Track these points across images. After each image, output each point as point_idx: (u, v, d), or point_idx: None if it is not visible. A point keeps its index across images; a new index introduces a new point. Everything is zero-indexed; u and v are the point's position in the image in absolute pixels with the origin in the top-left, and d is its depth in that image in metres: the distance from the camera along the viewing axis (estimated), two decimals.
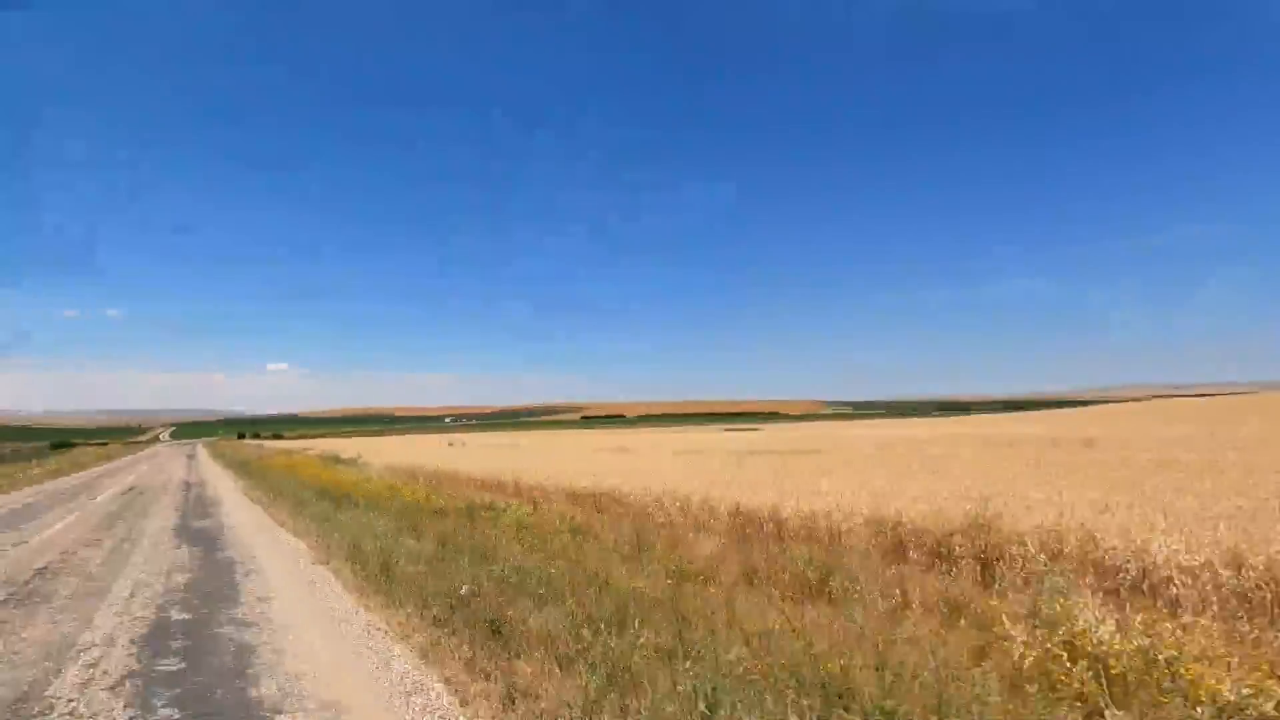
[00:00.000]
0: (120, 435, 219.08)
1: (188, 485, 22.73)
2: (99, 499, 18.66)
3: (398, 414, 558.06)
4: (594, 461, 22.01)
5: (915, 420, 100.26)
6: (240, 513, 14.59)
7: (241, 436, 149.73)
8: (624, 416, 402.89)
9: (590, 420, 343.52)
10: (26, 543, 11.06)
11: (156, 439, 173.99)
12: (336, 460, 31.23)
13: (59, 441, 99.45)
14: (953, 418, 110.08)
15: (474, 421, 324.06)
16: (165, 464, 43.89)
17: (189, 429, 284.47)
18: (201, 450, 64.86)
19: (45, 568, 8.86)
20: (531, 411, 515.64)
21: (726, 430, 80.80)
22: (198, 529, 12.10)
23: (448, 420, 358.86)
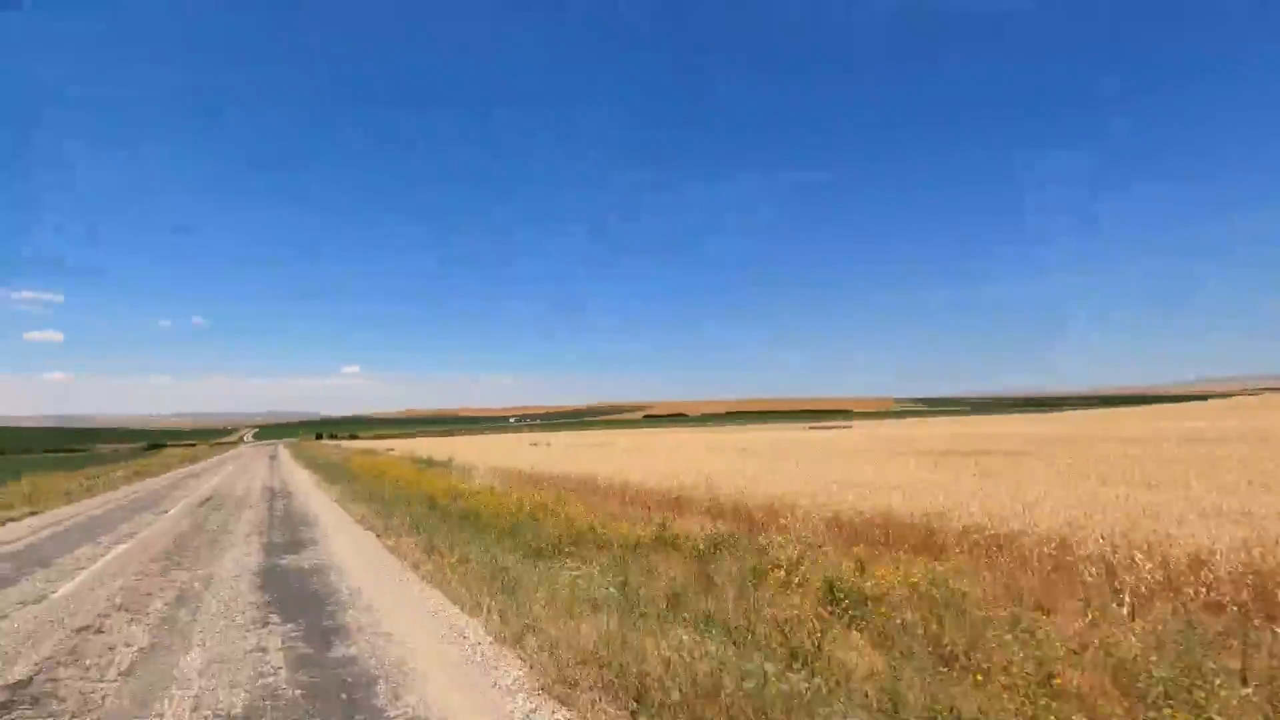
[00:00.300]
0: (209, 437, 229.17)
1: (272, 494, 19.23)
2: (170, 513, 15.14)
3: (461, 414, 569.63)
4: (751, 465, 17.21)
5: (1029, 417, 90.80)
6: (346, 542, 10.44)
7: (319, 437, 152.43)
8: (686, 415, 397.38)
9: (654, 419, 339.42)
10: (41, 600, 7.09)
11: (241, 440, 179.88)
12: (429, 463, 27.58)
13: (153, 443, 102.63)
14: (1066, 414, 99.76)
15: (538, 421, 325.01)
16: (249, 464, 41.73)
17: (269, 430, 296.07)
18: (283, 451, 63.69)
19: (28, 681, 4.69)
20: (592, 411, 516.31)
21: (815, 429, 74.67)
22: (292, 577, 7.91)
23: (512, 420, 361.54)
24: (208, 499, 18.19)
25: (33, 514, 15.91)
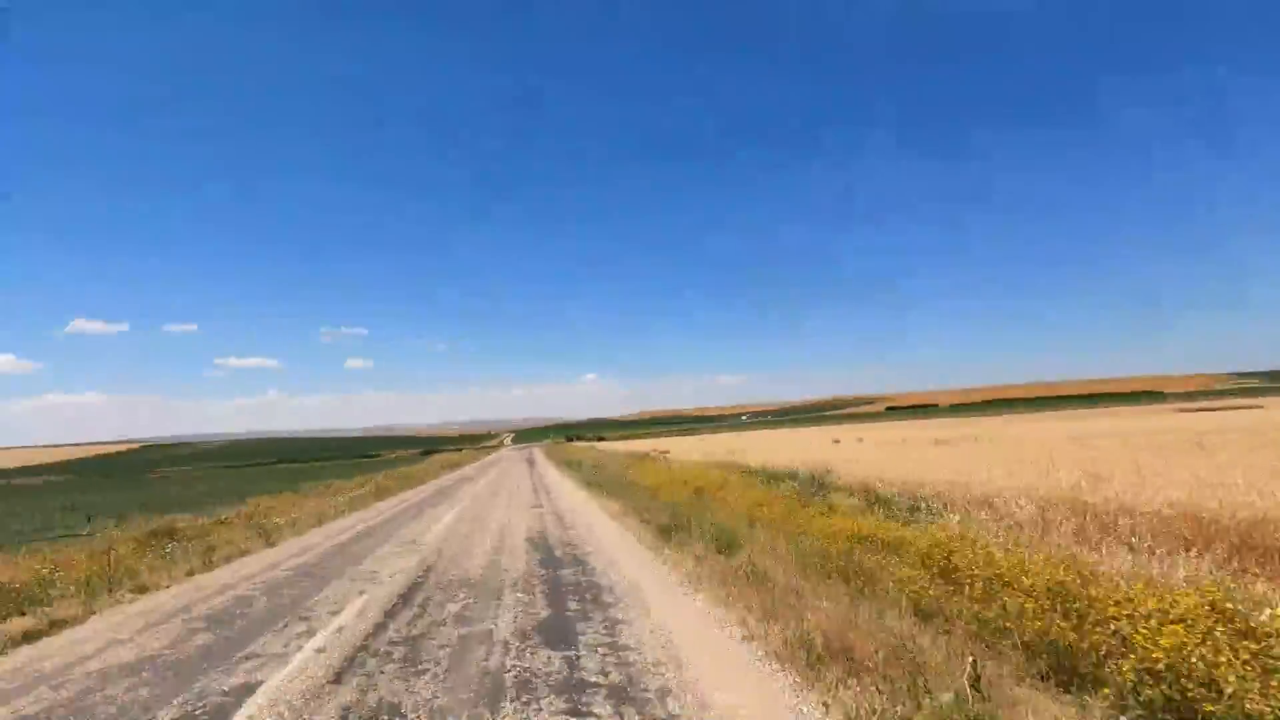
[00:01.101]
0: (475, 441, 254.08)
1: (552, 575, 7.91)
2: (324, 635, 4.31)
3: (693, 414, 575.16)
4: None
5: None
6: None
7: (570, 439, 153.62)
8: (936, 405, 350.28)
9: (897, 410, 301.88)
10: None
11: (501, 444, 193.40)
12: (803, 482, 15.24)
13: (428, 449, 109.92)
14: None
15: (770, 418, 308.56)
16: (508, 471, 34.37)
17: (524, 435, 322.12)
18: (540, 456, 57.86)
19: None
20: (826, 406, 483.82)
21: (1188, 411, 49.54)
22: None
23: (744, 418, 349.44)
24: (418, 582, 7.54)
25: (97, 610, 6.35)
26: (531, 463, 44.00)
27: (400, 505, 18.76)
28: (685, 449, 38.18)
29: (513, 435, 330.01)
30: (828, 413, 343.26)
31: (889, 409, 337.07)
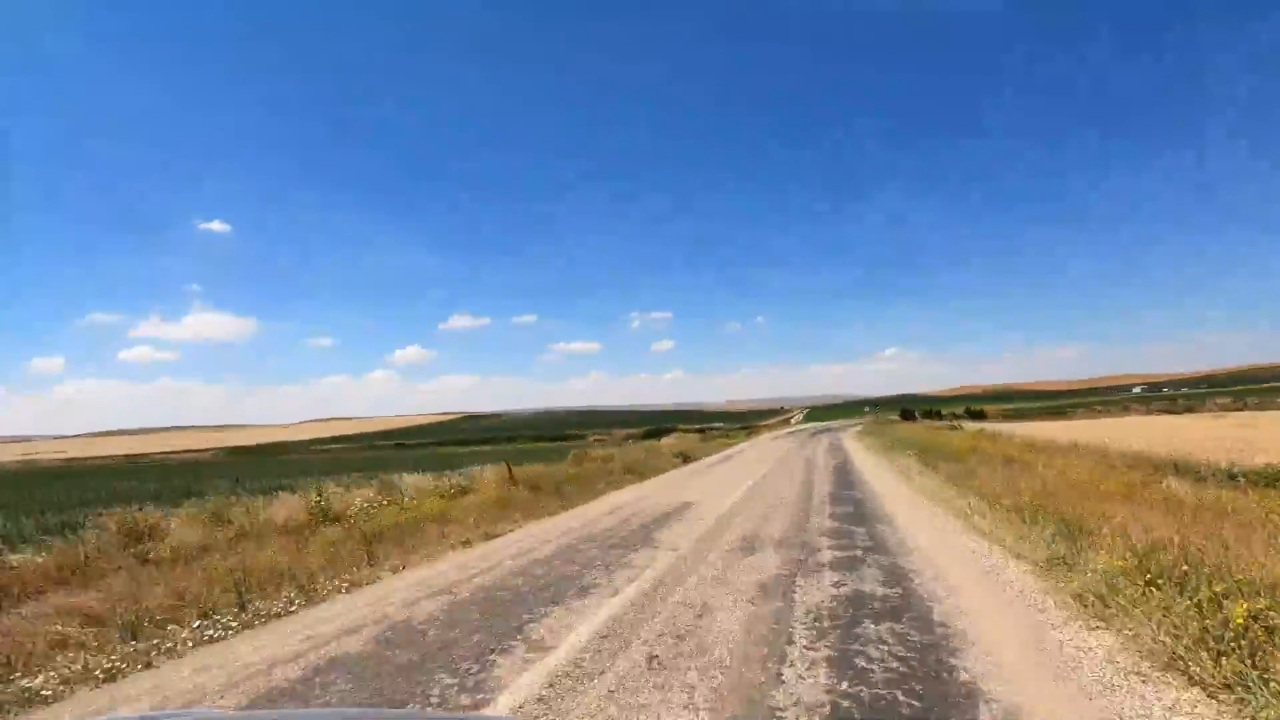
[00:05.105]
0: (766, 416, 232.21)
1: None
2: None
3: (1024, 389, 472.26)
4: None
5: None
6: None
7: (907, 416, 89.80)
8: None
9: None
10: None
11: (786, 421, 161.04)
12: None
13: (660, 427, 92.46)
14: None
15: (1183, 391, 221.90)
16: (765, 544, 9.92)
17: (818, 412, 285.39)
18: (870, 465, 18.47)
19: None
20: (1235, 377, 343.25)
21: None
22: None
23: (1137, 390, 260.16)
24: None
25: None
26: (860, 516, 17.62)
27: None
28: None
29: (804, 412, 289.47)
30: (1272, 382, 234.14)
31: None
